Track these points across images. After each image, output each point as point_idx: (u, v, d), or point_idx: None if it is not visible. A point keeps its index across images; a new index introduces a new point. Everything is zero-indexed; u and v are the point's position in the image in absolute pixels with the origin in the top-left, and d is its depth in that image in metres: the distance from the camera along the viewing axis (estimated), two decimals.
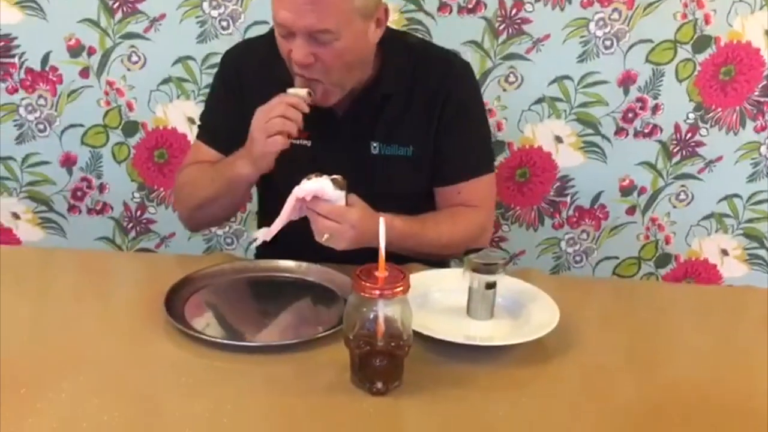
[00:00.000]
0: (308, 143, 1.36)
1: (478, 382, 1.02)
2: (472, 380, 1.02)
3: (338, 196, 1.17)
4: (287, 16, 1.17)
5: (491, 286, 1.13)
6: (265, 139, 1.22)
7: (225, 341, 1.07)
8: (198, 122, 1.50)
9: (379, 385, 0.95)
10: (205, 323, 1.13)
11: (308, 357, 1.05)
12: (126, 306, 1.20)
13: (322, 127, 1.34)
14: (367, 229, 1.15)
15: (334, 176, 1.16)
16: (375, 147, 1.36)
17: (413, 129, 1.36)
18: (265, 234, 1.19)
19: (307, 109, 1.23)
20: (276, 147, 1.23)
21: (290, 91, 1.24)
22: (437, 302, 1.18)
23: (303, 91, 1.24)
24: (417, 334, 1.03)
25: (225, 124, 1.42)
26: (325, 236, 1.18)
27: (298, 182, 1.19)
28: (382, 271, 0.94)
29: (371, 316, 0.94)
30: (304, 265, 1.30)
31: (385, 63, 1.34)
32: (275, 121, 1.21)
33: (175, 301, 1.16)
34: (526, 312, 1.16)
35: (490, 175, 1.42)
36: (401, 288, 0.93)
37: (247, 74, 1.40)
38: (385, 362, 0.95)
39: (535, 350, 1.08)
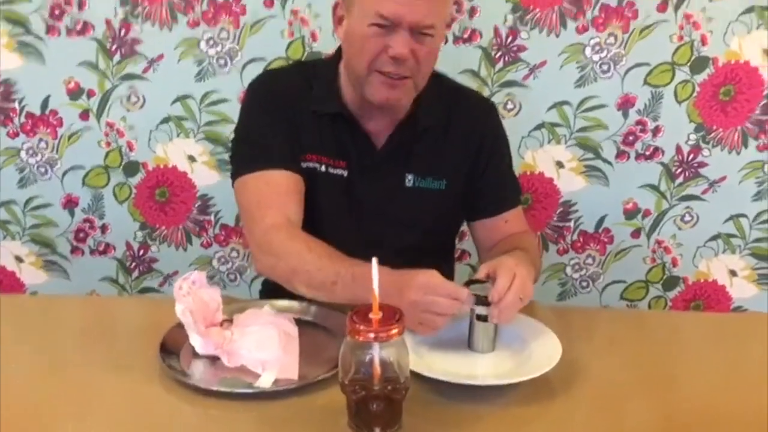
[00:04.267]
0: (344, 173, 1.35)
1: (482, 422, 1.00)
2: (474, 421, 1.00)
3: None
4: (398, 9, 1.18)
5: None
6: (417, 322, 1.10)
7: (218, 389, 1.04)
8: (240, 158, 1.37)
9: (377, 430, 0.93)
10: (202, 368, 1.12)
11: (306, 401, 1.03)
12: (123, 354, 1.19)
13: (360, 156, 1.35)
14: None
15: None
16: (409, 179, 1.37)
17: (448, 163, 1.38)
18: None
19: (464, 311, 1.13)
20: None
21: None
22: (438, 334, 1.15)
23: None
24: (416, 374, 1.01)
25: (282, 141, 1.33)
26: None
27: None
28: (376, 313, 0.91)
29: (366, 359, 0.92)
30: (303, 304, 1.28)
31: (422, 95, 1.33)
32: (429, 317, 1.10)
33: (171, 347, 1.15)
34: (529, 346, 1.14)
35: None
36: (396, 330, 0.91)
37: (279, 98, 1.36)
38: (382, 406, 0.93)
39: (540, 386, 1.06)
